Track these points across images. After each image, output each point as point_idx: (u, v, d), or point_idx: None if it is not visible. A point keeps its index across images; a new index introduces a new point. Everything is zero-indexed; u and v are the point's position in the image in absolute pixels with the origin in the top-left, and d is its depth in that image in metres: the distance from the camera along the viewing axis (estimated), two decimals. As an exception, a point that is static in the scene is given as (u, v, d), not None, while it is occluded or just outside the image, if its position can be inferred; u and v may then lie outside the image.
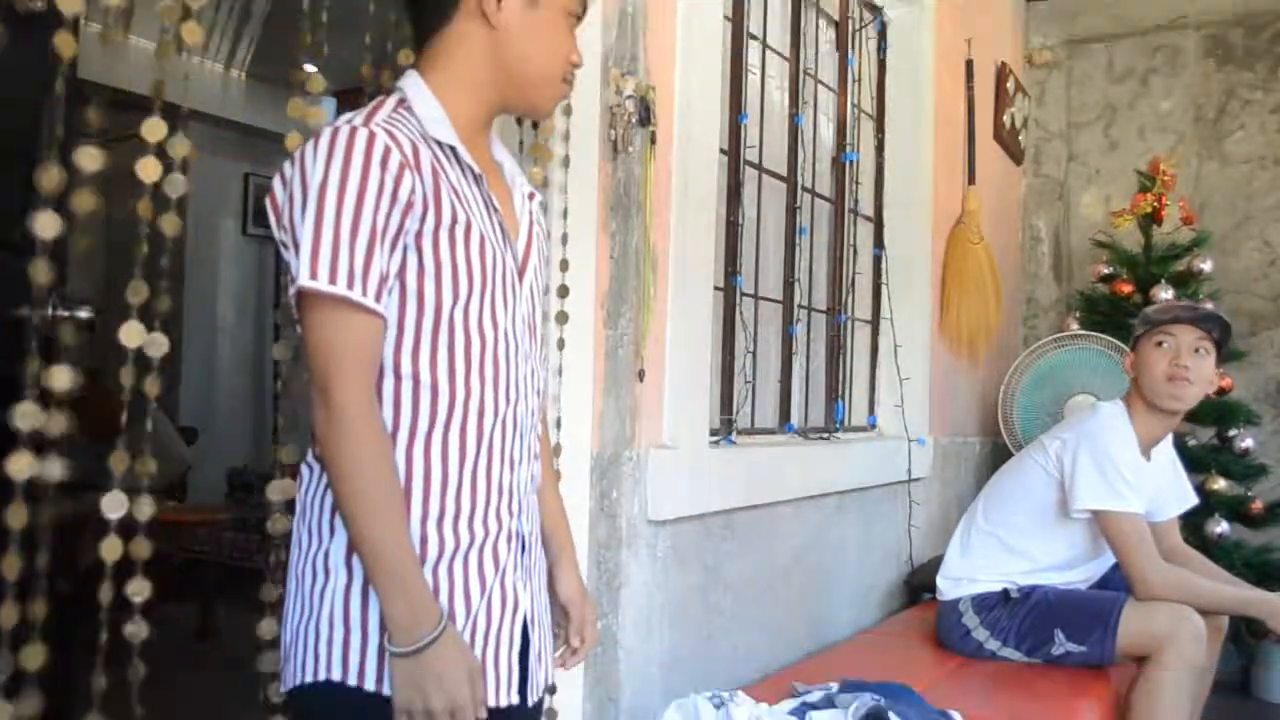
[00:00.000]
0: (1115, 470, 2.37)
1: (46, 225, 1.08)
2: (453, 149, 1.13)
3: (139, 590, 1.25)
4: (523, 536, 1.20)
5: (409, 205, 1.05)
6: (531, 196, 1.27)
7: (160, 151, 1.22)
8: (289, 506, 1.27)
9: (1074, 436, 2.47)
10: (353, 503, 1.03)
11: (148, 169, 1.20)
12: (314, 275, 1.01)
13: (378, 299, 1.04)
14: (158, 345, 1.23)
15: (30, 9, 1.15)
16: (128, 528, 1.28)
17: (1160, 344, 2.44)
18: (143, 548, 1.26)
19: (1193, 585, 2.35)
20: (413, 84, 1.16)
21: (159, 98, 1.25)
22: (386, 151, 1.04)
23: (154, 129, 1.21)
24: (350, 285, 1.02)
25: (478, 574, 1.12)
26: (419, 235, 1.07)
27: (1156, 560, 2.35)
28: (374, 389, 1.07)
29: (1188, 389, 2.40)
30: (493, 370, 1.13)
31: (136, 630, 1.25)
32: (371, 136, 1.04)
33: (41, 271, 1.10)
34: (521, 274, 1.20)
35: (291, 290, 1.05)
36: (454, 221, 1.09)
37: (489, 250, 1.12)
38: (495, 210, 1.16)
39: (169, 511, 4.06)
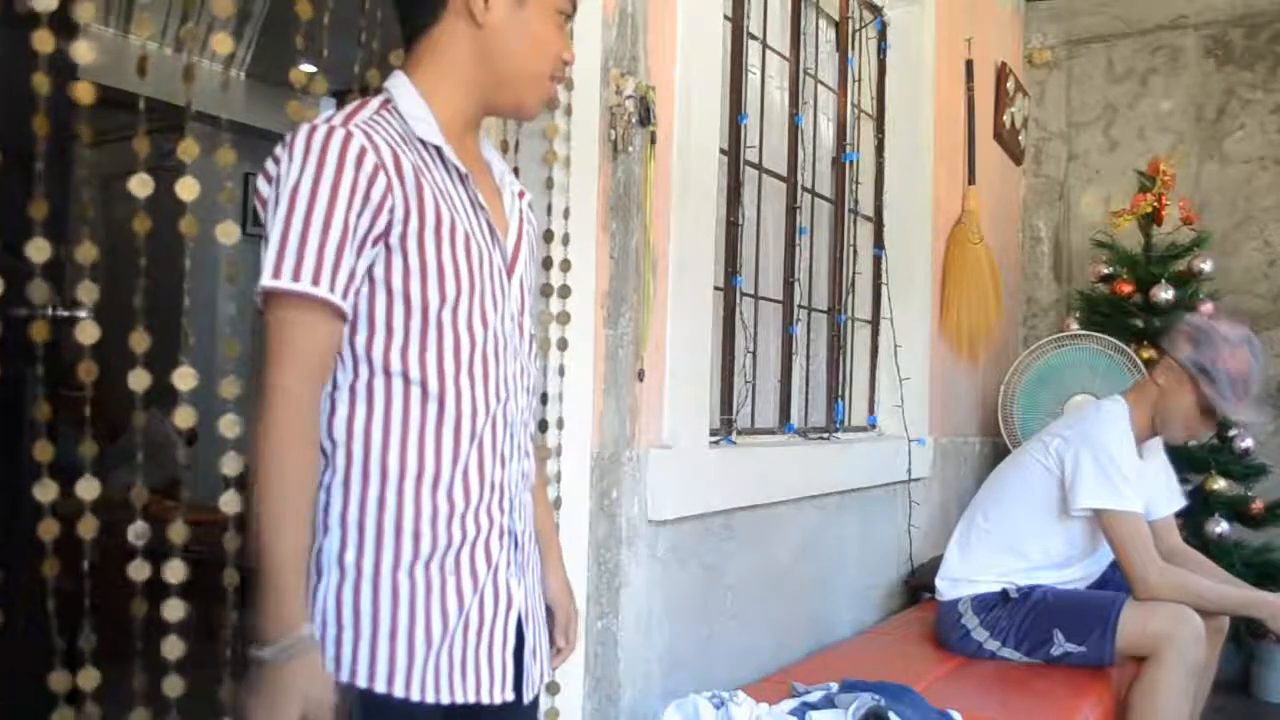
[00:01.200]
0: (1117, 469, 2.37)
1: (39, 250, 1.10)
2: (438, 149, 1.13)
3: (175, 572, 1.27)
4: (515, 533, 1.20)
5: (380, 207, 1.05)
6: (521, 195, 1.27)
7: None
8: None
9: (1075, 435, 2.47)
10: (266, 499, 1.02)
11: (186, 189, 1.22)
12: (277, 274, 1.02)
13: (345, 296, 1.04)
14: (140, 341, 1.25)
15: (30, 9, 1.15)
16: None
17: (1207, 410, 2.42)
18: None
19: (1192, 585, 2.35)
20: (399, 84, 1.16)
21: (188, 117, 1.27)
22: (361, 153, 1.04)
23: (188, 149, 1.23)
24: (316, 282, 1.02)
25: (470, 571, 1.13)
26: (403, 237, 1.07)
27: (1156, 560, 2.35)
28: (320, 392, 1.07)
29: (1187, 439, 2.53)
30: (482, 368, 1.13)
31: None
32: (347, 137, 1.04)
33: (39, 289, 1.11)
34: (510, 272, 1.20)
35: (257, 288, 1.04)
36: (438, 222, 1.09)
37: (475, 249, 1.12)
38: (482, 209, 1.16)
39: (169, 511, 4.05)
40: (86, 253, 1.24)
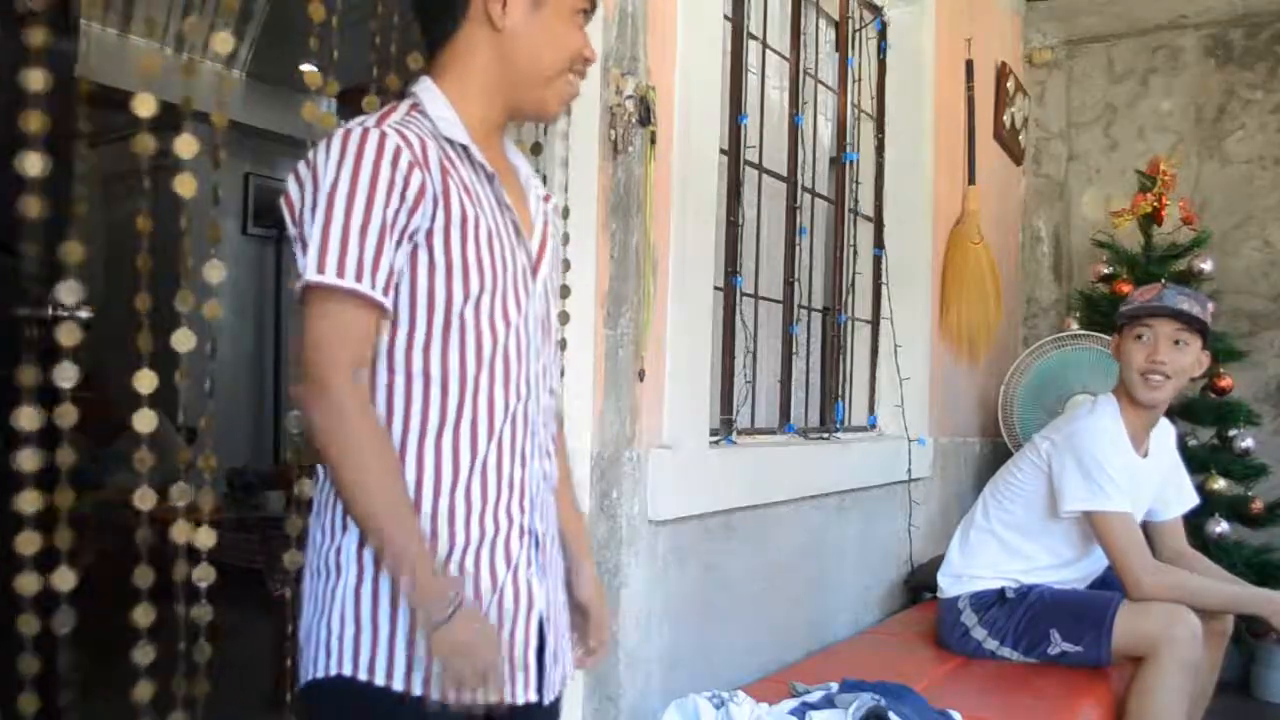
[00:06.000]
0: (1101, 470, 2.36)
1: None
2: (465, 148, 1.15)
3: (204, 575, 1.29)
4: (536, 533, 1.20)
5: (417, 202, 1.07)
6: (546, 199, 1.29)
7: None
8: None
9: (1063, 437, 2.47)
10: (355, 489, 1.05)
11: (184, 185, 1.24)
12: (322, 269, 1.04)
13: (385, 292, 1.06)
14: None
15: (29, 9, 1.15)
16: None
17: (1139, 337, 2.42)
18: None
19: (1188, 584, 2.35)
20: (425, 88, 1.19)
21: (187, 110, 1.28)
22: (397, 151, 1.06)
23: (187, 145, 1.25)
24: (359, 278, 1.04)
25: (489, 570, 1.14)
26: (429, 233, 1.09)
27: (1148, 560, 2.35)
28: (364, 374, 1.08)
29: (1163, 384, 2.39)
30: (503, 367, 1.14)
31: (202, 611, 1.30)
32: (383, 137, 1.06)
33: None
34: (535, 272, 1.21)
35: (298, 284, 1.06)
36: (464, 219, 1.11)
37: (499, 247, 1.14)
38: (507, 209, 1.18)
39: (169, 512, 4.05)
40: (73, 251, 1.24)
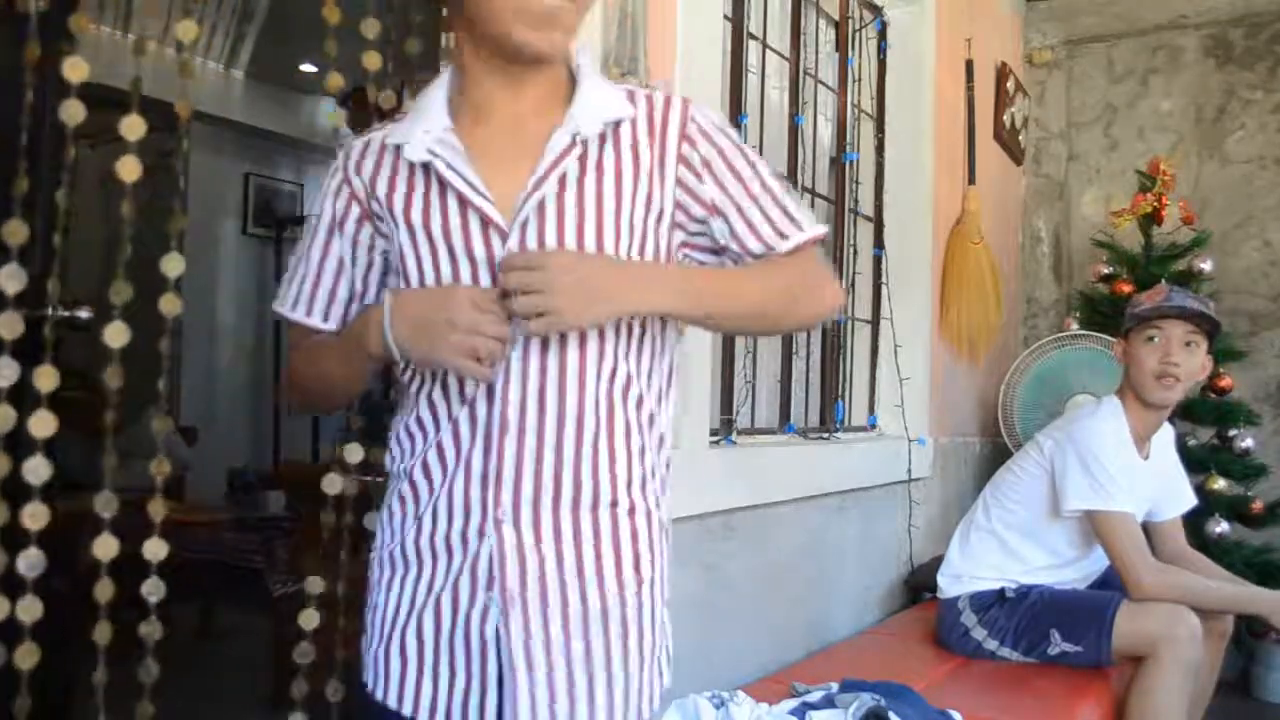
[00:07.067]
0: (1103, 470, 2.36)
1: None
2: (399, 147, 1.07)
3: (153, 590, 1.27)
4: (499, 567, 1.05)
5: (344, 219, 1.12)
6: (566, 151, 1.04)
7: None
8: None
9: (1065, 436, 2.47)
10: (319, 376, 1.17)
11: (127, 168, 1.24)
12: (282, 301, 1.17)
13: (326, 318, 1.14)
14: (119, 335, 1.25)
15: (27, 9, 1.15)
16: (133, 528, 1.29)
17: (1150, 339, 2.42)
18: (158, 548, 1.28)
19: (1188, 584, 2.35)
20: (429, 86, 1.10)
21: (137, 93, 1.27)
22: (335, 170, 1.13)
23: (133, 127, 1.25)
24: (293, 308, 1.15)
25: (434, 610, 1.07)
26: (394, 252, 1.09)
27: (1149, 560, 2.35)
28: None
29: (1175, 386, 2.40)
30: (457, 382, 1.06)
31: (151, 630, 1.28)
32: (347, 155, 1.12)
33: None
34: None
35: None
36: (411, 230, 1.05)
37: (445, 250, 1.04)
38: (468, 200, 1.03)
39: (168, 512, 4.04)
40: (14, 232, 1.23)
